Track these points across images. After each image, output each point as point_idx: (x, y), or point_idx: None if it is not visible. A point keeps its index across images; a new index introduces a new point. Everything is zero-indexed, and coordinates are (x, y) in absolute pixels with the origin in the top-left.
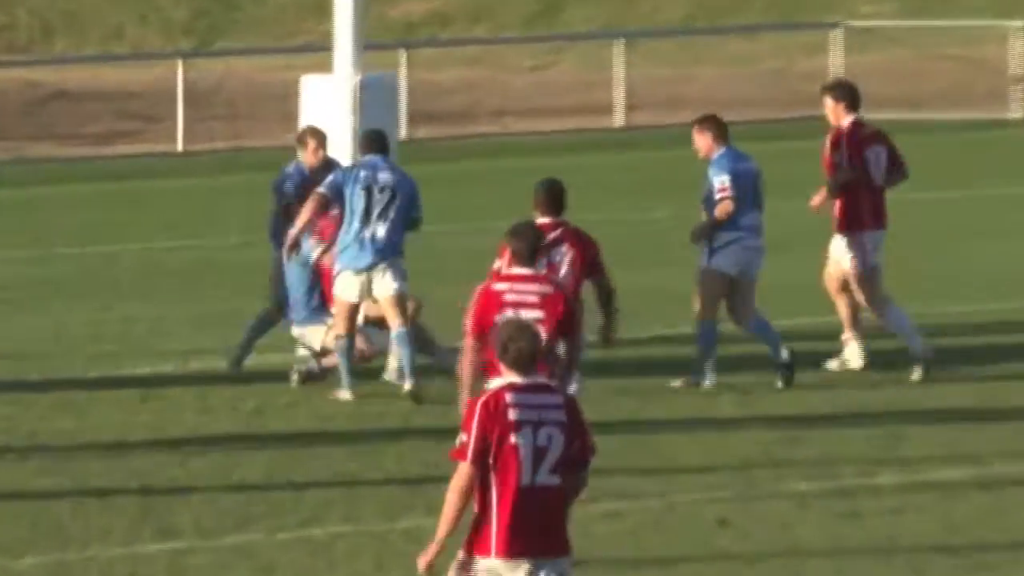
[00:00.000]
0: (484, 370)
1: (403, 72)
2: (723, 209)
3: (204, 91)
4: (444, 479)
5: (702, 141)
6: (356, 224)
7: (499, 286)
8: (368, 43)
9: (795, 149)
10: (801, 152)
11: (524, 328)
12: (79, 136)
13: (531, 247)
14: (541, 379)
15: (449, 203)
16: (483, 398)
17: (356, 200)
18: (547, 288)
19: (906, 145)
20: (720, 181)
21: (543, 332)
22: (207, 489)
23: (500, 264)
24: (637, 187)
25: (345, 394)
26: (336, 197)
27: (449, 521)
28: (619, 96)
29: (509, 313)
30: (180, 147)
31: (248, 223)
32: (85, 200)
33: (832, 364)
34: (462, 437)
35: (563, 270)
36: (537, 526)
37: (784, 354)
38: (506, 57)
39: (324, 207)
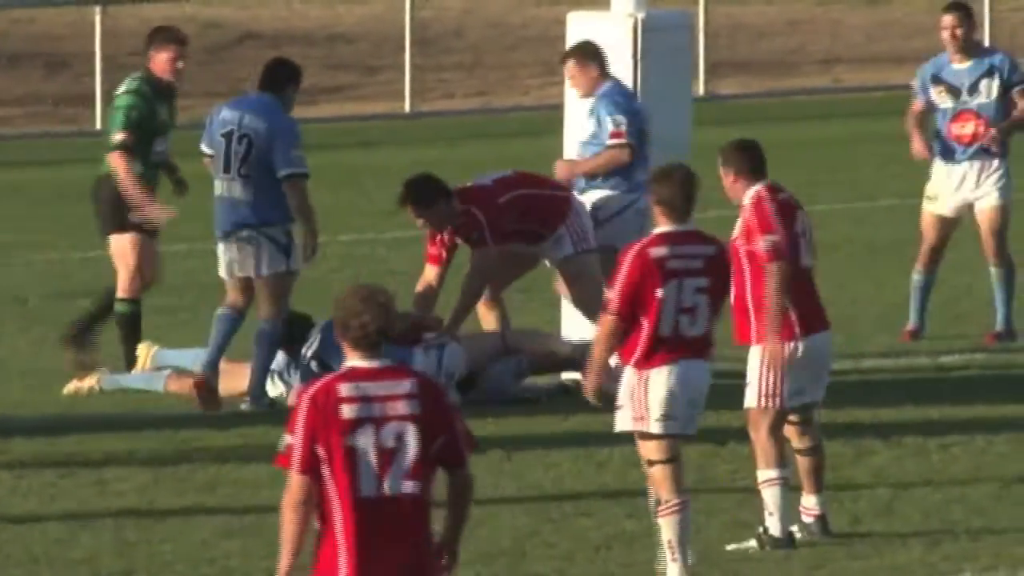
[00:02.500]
0: (621, 356)
1: (701, 7)
2: (613, 158)
3: (438, 33)
4: None
5: (584, 77)
6: (216, 181)
7: (657, 251)
8: None
9: None
10: None
11: (369, 298)
12: None
13: (685, 195)
14: (389, 362)
15: None
16: (311, 390)
17: (217, 148)
18: (711, 247)
19: None
20: (615, 122)
21: (710, 304)
22: None
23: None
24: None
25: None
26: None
27: (290, 545)
28: (984, 39)
29: (673, 285)
30: (407, 107)
31: None
32: None
33: None
34: (286, 439)
35: (804, 247)
36: (391, 546)
37: None
38: None
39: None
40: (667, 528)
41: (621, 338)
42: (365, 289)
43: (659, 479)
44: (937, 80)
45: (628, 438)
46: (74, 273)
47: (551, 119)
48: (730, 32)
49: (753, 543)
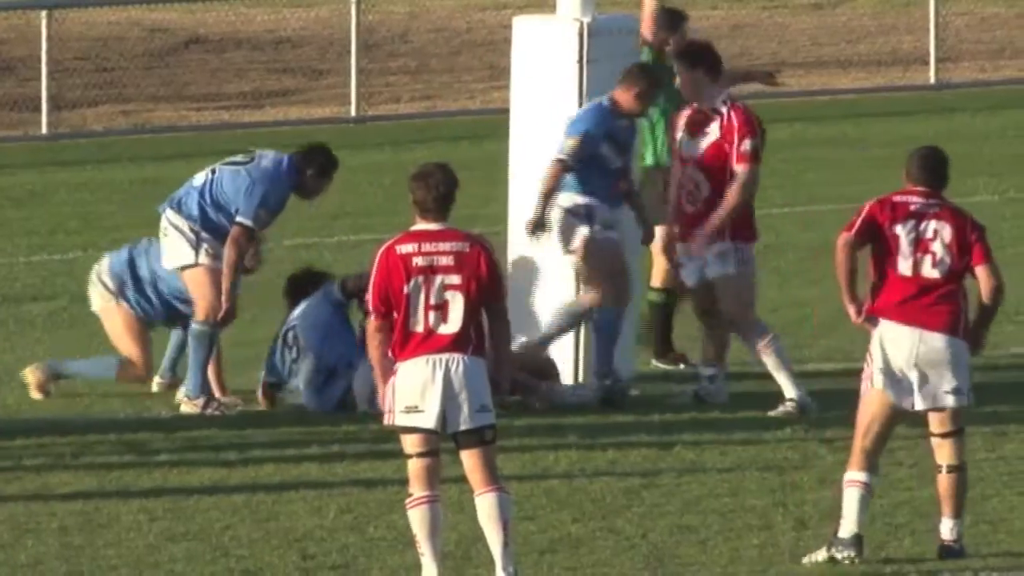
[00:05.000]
0: (392, 353)
1: None
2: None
3: (384, 37)
4: None
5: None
6: None
7: (404, 248)
8: None
9: None
10: None
11: None
12: (218, 97)
13: (437, 194)
14: None
15: None
16: None
17: None
18: (463, 244)
19: None
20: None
21: (463, 301)
22: None
23: None
24: (953, 162)
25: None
26: None
27: None
28: (930, 44)
29: (418, 281)
30: (353, 111)
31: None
32: None
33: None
34: None
35: (936, 247)
36: None
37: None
38: None
39: None
40: (412, 522)
41: (387, 336)
42: None
43: (409, 472)
44: None
45: (574, 443)
46: (20, 276)
47: (497, 123)
48: None
49: (823, 550)
